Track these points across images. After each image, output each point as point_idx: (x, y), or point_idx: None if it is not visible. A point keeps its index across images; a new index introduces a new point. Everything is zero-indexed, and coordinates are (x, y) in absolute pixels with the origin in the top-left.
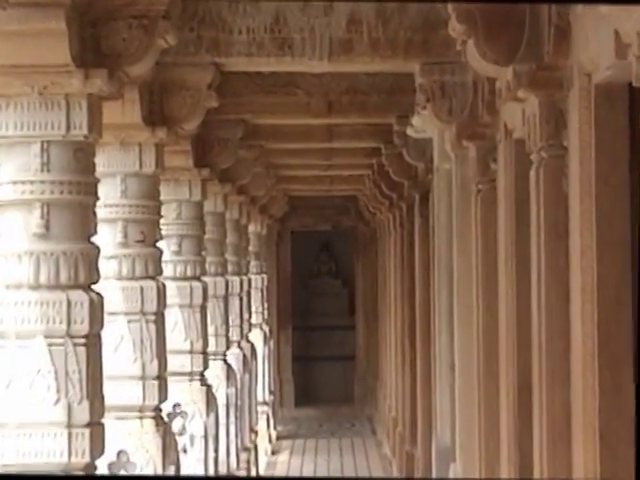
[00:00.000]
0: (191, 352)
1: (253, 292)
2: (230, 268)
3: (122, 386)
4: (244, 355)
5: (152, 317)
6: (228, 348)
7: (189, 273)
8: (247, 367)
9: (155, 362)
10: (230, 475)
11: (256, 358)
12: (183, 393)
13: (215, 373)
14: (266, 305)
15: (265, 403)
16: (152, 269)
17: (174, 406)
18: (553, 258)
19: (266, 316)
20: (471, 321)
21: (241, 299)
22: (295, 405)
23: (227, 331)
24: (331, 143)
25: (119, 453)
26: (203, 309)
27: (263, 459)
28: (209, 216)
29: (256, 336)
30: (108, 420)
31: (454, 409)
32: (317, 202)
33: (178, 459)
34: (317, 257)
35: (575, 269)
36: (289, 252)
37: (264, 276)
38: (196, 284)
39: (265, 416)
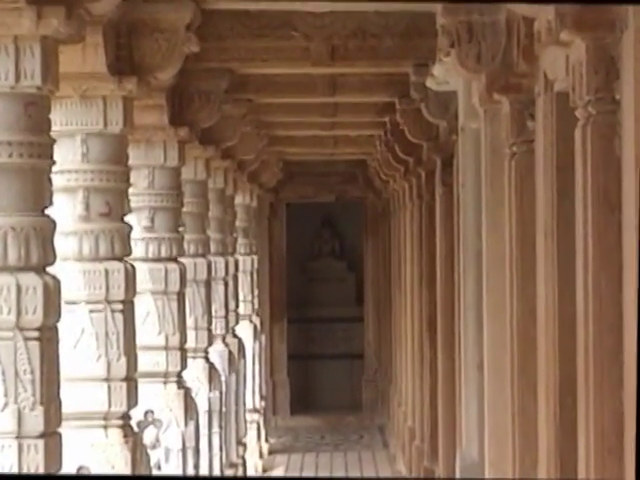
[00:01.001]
0: (166, 348)
1: (241, 276)
2: (213, 247)
3: (83, 389)
4: (230, 352)
5: (119, 306)
6: (211, 344)
7: (164, 253)
8: (233, 367)
9: (123, 360)
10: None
11: (244, 356)
12: (156, 398)
13: (195, 374)
14: (256, 292)
15: (255, 410)
16: (119, 248)
17: (146, 413)
18: (603, 235)
19: (256, 306)
20: (503, 312)
21: (226, 285)
22: (291, 413)
23: (209, 323)
24: (335, 97)
25: (79, 469)
26: (180, 297)
27: (253, 477)
28: (188, 185)
29: (244, 330)
30: (66, 430)
31: (482, 418)
32: (318, 168)
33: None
34: (318, 234)
35: (629, 248)
36: (284, 228)
37: (254, 257)
38: (172, 266)
39: (255, 426)
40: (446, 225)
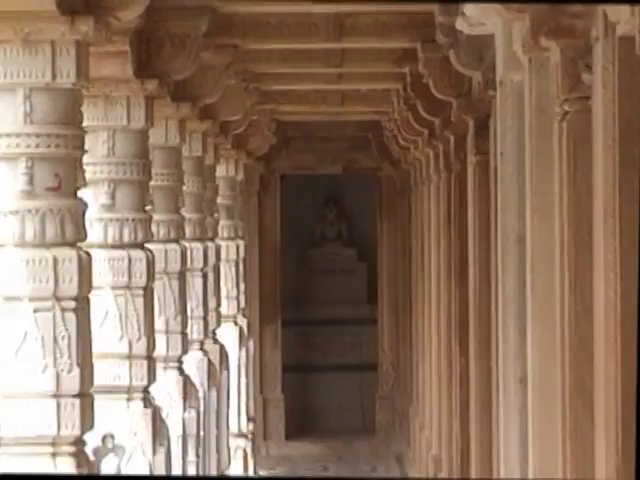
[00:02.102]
0: (129, 357)
1: (224, 267)
2: (189, 231)
3: (25, 408)
4: (210, 362)
5: (70, 304)
6: (186, 352)
7: (126, 238)
8: (214, 380)
9: (76, 372)
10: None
11: (228, 367)
12: (118, 419)
13: (166, 389)
14: (243, 287)
15: (241, 435)
16: (71, 232)
17: (104, 438)
18: None
19: (243, 304)
20: (552, 313)
21: (205, 278)
22: (286, 438)
23: (184, 326)
24: (341, 42)
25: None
26: (148, 292)
27: None
28: (157, 152)
29: (228, 334)
30: (4, 458)
31: (526, 444)
32: (320, 131)
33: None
34: (320, 215)
35: None
36: (278, 207)
37: (240, 243)
38: (137, 254)
39: (241, 454)
40: (480, 204)
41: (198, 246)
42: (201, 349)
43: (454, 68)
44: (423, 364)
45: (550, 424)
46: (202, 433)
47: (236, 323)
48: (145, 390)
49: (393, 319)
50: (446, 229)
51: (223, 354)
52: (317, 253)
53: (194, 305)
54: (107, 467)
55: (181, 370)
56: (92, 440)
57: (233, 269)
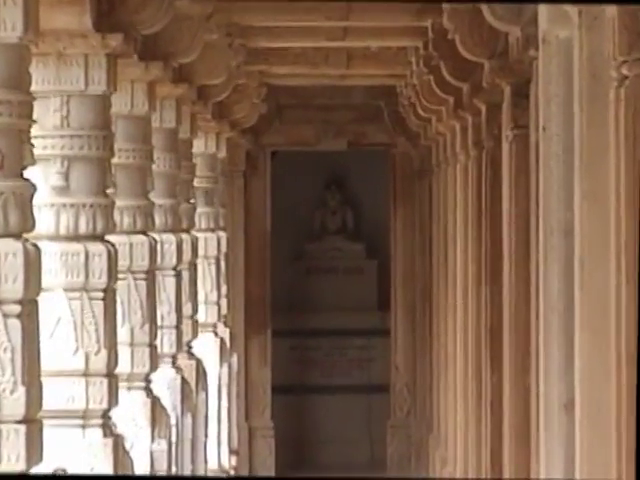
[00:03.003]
0: (86, 375)
1: (202, 265)
2: (159, 220)
3: None
4: (184, 382)
5: (14, 308)
6: (155, 369)
7: (83, 228)
8: (189, 404)
9: (21, 392)
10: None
11: (206, 388)
12: (71, 450)
13: (131, 414)
14: (225, 290)
15: (223, 471)
16: (15, 220)
17: (55, 474)
18: None
19: (225, 310)
20: (606, 323)
21: (179, 277)
22: (277, 474)
23: (153, 337)
24: None
25: None
26: (109, 295)
27: None
28: (121, 122)
29: (207, 347)
30: None
31: None
32: (321, 98)
33: None
34: (321, 201)
35: None
36: (268, 191)
37: (222, 235)
38: (96, 248)
39: None
40: (518, 188)
41: (170, 239)
42: (173, 365)
43: (486, 22)
44: (446, 385)
45: (602, 458)
46: (174, 469)
47: (216, 334)
48: (105, 415)
49: (409, 329)
50: (476, 219)
51: (200, 371)
52: (316, 248)
53: (165, 311)
54: None
55: (149, 391)
56: (44, 471)
57: (213, 267)
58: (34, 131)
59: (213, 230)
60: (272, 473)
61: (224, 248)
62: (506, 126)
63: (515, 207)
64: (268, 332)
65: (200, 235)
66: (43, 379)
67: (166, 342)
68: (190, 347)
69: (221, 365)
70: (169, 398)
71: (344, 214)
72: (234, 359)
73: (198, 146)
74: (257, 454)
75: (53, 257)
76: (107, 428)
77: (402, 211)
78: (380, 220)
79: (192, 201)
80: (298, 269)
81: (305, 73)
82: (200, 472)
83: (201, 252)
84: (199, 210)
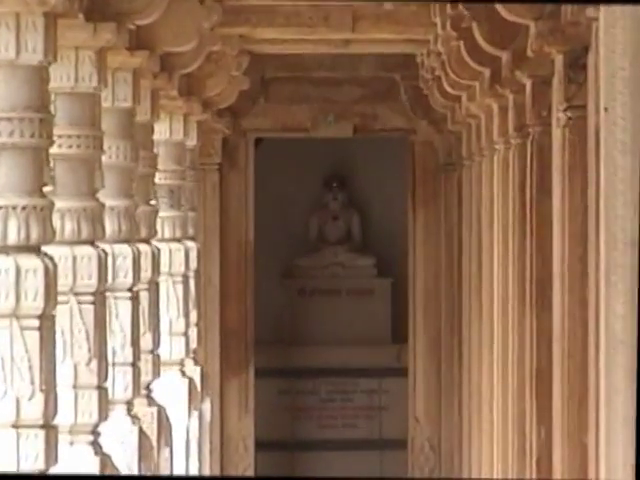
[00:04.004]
0: (16, 426)
1: (165, 284)
2: (110, 227)
3: None
4: (142, 435)
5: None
6: (105, 418)
7: (12, 238)
8: (148, 463)
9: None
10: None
11: (171, 443)
12: None
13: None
14: (195, 317)
15: None
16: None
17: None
18: None
19: (195, 343)
20: None
21: (135, 301)
22: None
23: (102, 377)
24: None
25: None
26: (46, 324)
27: None
28: (62, 101)
29: (172, 390)
30: None
31: None
32: (319, 71)
33: None
34: (319, 203)
35: None
36: (251, 190)
37: (191, 246)
38: (29, 263)
39: None
40: (572, 186)
41: (125, 251)
42: (129, 414)
43: None
44: (480, 440)
45: None
46: None
47: (184, 373)
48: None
49: (432, 368)
50: (519, 226)
51: (163, 422)
52: (312, 263)
53: (118, 345)
54: None
55: (97, 446)
56: None
57: (180, 288)
58: None
59: (180, 240)
60: None
61: (194, 263)
62: (557, 106)
63: (569, 211)
64: (250, 371)
65: (163, 246)
66: None
67: (119, 384)
68: (150, 390)
69: (190, 414)
70: (123, 456)
71: (348, 220)
72: (206, 406)
73: (161, 132)
74: None
75: None
76: None
77: (423, 216)
78: (394, 227)
79: (153, 202)
80: (289, 290)
81: (298, 38)
82: None
83: (164, 268)
84: (162, 214)
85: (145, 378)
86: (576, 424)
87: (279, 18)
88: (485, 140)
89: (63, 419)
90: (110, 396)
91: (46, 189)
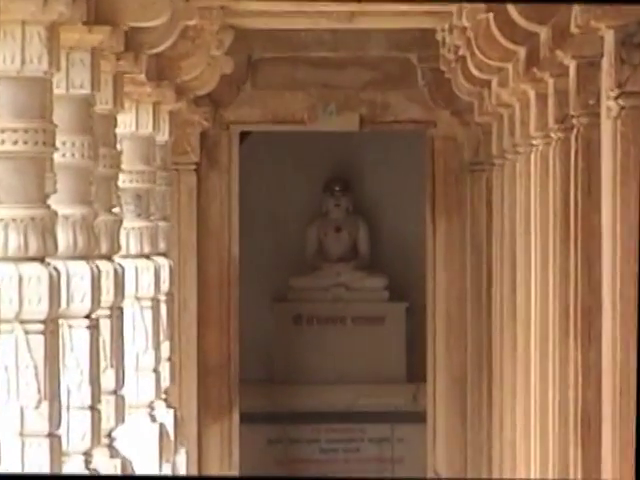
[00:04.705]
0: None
1: (131, 310)
2: (64, 240)
3: None
4: None
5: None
6: (60, 470)
7: None
8: None
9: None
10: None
11: None
12: None
13: None
14: (167, 350)
15: None
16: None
17: None
18: None
19: (167, 381)
20: None
21: (94, 330)
22: None
23: (54, 423)
24: None
25: None
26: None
27: None
28: (5, 86)
29: (139, 439)
30: None
31: None
32: (317, 50)
33: None
34: (318, 211)
35: None
36: (236, 196)
37: (162, 264)
38: None
39: None
40: (626, 189)
41: (82, 270)
42: (87, 467)
43: None
44: None
45: None
46: None
47: (154, 418)
48: None
49: (456, 413)
50: (561, 241)
51: None
52: (311, 284)
53: (74, 383)
54: None
55: None
56: None
57: (148, 315)
58: None
59: (149, 256)
60: None
61: (166, 284)
62: (607, 93)
63: (621, 223)
64: (234, 416)
65: (129, 264)
66: None
67: (75, 431)
68: (112, 439)
69: (161, 467)
70: None
71: (354, 231)
72: (181, 458)
73: (126, 124)
74: None
75: None
76: None
77: (444, 227)
78: (410, 241)
79: (116, 210)
80: (282, 317)
81: (292, 10)
82: None
83: (130, 290)
84: (127, 224)
85: (106, 424)
86: (632, 479)
87: None
88: (520, 135)
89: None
90: (64, 446)
91: None
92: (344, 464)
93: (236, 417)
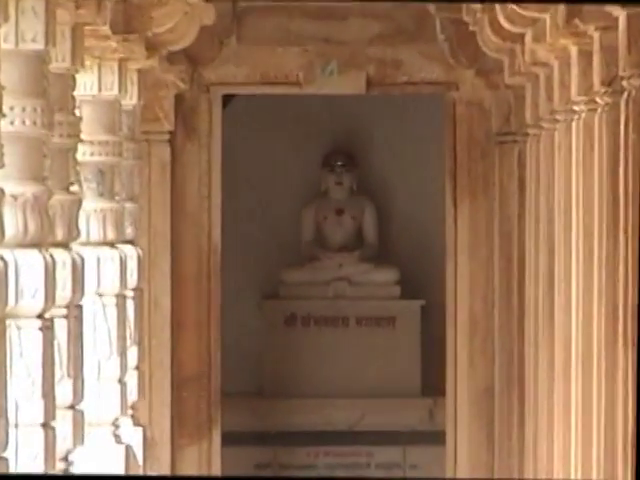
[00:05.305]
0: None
1: (92, 309)
2: (12, 226)
3: None
4: None
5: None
6: None
7: None
8: None
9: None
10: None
11: None
12: None
13: None
14: (135, 356)
15: None
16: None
17: None
18: None
19: (134, 394)
20: None
21: (48, 333)
22: None
23: (1, 443)
24: None
25: None
26: None
27: None
28: None
29: (102, 461)
30: None
31: None
32: (316, 0)
33: None
34: (316, 190)
35: None
36: (218, 172)
37: (130, 253)
38: None
39: None
40: None
41: (33, 259)
42: None
43: None
44: None
45: None
46: None
47: (118, 439)
48: None
49: (480, 433)
50: (609, 227)
51: None
52: (307, 278)
53: (23, 395)
54: None
55: None
56: None
57: (112, 314)
58: None
59: (113, 244)
60: None
61: (134, 278)
62: None
63: None
64: (215, 436)
65: (89, 253)
66: None
67: (27, 451)
68: (69, 463)
69: None
70: None
71: (359, 215)
72: None
73: (86, 86)
74: None
75: None
76: None
77: (468, 211)
78: (426, 227)
79: (75, 189)
80: (272, 318)
81: None
82: None
83: (90, 286)
84: (88, 206)
85: (63, 444)
86: None
87: None
88: (559, 100)
89: None
90: (12, 469)
91: None
92: None
93: (217, 437)
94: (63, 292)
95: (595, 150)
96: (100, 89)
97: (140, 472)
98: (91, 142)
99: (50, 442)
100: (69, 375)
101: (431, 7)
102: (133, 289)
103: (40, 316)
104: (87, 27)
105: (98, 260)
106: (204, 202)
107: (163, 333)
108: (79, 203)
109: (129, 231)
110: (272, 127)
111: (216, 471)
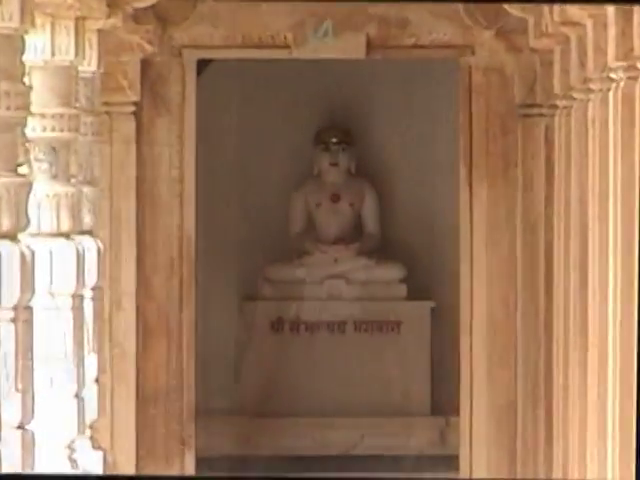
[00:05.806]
0: None
1: (45, 313)
2: None
3: None
4: None
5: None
6: None
7: None
8: None
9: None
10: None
11: None
12: None
13: None
14: (94, 367)
15: None
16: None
17: None
18: None
19: (94, 412)
20: None
21: None
22: None
23: None
24: None
25: None
26: None
27: None
28: None
29: None
30: None
31: None
32: None
33: None
34: (308, 173)
35: None
36: (192, 150)
37: (89, 246)
38: None
39: None
40: None
41: None
42: None
43: None
44: None
45: None
46: None
47: (74, 463)
48: None
49: (501, 457)
50: None
51: None
52: (296, 276)
53: None
54: None
55: None
56: None
57: (68, 317)
58: None
59: (69, 235)
60: None
61: (93, 275)
62: None
63: None
64: (188, 461)
65: (41, 245)
66: None
67: None
68: None
69: None
70: None
71: (358, 201)
72: None
73: (37, 49)
74: None
75: None
76: None
77: (486, 195)
78: (437, 216)
79: (23, 170)
80: (255, 321)
81: None
82: None
83: (42, 285)
84: (39, 190)
85: (10, 470)
86: None
87: None
88: (593, 66)
89: None
90: None
91: None
92: None
93: (191, 463)
94: (10, 292)
95: (636, 125)
96: (53, 53)
97: None
98: (43, 115)
99: None
100: (17, 389)
101: None
102: (92, 288)
103: None
104: None
105: (51, 254)
106: (175, 186)
107: (127, 340)
108: (29, 187)
109: (87, 220)
110: (255, 98)
111: None
